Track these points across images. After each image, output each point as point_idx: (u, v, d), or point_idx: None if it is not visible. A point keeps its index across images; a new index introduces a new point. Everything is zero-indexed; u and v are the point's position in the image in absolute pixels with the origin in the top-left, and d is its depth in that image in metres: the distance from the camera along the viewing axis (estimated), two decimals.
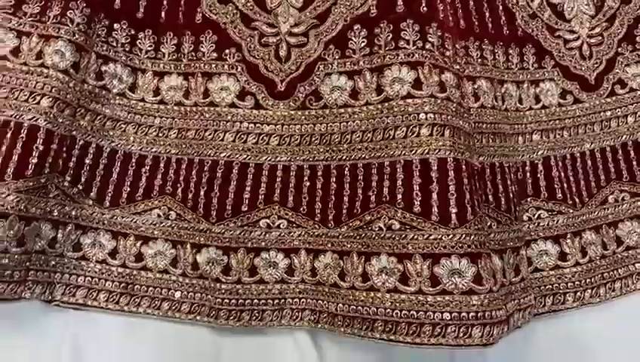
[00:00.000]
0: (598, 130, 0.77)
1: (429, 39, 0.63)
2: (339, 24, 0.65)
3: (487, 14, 0.73)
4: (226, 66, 0.67)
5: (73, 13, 0.64)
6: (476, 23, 0.71)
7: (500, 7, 0.74)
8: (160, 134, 0.68)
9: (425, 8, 0.63)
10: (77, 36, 0.64)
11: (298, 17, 0.66)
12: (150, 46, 0.69)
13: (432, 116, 0.60)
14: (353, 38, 0.65)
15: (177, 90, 0.68)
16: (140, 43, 0.68)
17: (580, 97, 0.77)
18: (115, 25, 0.68)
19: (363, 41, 0.65)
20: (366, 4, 0.65)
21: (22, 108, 0.61)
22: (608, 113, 0.78)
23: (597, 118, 0.78)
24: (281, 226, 0.65)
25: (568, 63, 0.78)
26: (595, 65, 0.78)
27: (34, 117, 0.61)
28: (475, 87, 0.68)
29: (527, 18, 0.76)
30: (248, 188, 0.65)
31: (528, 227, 0.71)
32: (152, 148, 0.68)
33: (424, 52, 0.62)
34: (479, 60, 0.70)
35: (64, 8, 0.64)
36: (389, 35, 0.64)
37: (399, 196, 0.60)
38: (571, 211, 0.73)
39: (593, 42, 0.78)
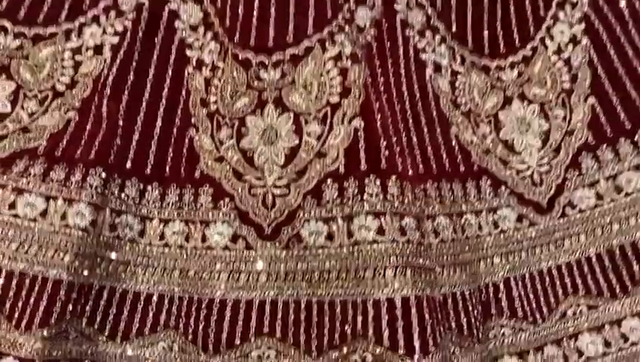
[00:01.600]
0: (553, 249, 0.84)
1: (390, 191, 0.71)
2: (315, 178, 0.74)
3: (444, 155, 0.81)
4: (220, 214, 0.76)
5: (92, 179, 0.73)
6: (434, 166, 0.79)
7: (457, 148, 0.83)
8: (164, 274, 0.76)
9: (385, 165, 0.72)
10: (95, 198, 0.73)
11: (281, 172, 0.75)
12: (157, 197, 0.78)
13: (395, 259, 0.68)
14: (326, 191, 0.74)
15: (180, 235, 0.76)
16: (148, 195, 0.77)
17: (535, 220, 0.84)
18: (126, 182, 0.77)
19: (335, 193, 0.73)
20: (336, 162, 0.74)
21: (48, 265, 0.70)
22: (561, 233, 0.85)
23: (551, 238, 0.84)
24: (271, 356, 0.71)
25: (522, 190, 0.85)
26: (547, 191, 0.85)
27: (58, 272, 0.70)
28: (435, 224, 0.76)
29: (481, 154, 0.84)
30: (240, 323, 0.72)
31: (494, 344, 0.76)
32: (158, 287, 0.75)
33: (386, 203, 0.70)
34: (438, 200, 0.77)
35: (85, 174, 0.74)
36: (355, 189, 0.72)
37: (370, 331, 0.67)
38: (533, 327, 0.78)
39: (543, 170, 0.86)
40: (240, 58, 0.79)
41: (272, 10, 0.79)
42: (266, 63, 0.78)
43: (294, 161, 0.76)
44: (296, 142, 0.76)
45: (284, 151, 0.76)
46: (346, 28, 0.79)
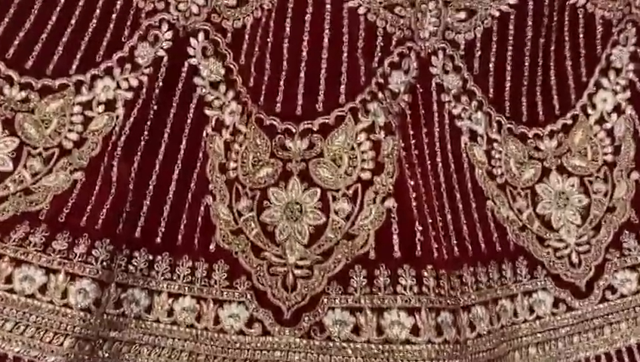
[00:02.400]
0: (592, 338, 0.76)
1: (425, 283, 0.64)
2: (341, 262, 0.67)
3: (480, 234, 0.74)
4: (236, 294, 0.68)
5: (98, 252, 0.66)
6: (470, 248, 0.72)
7: (492, 225, 0.75)
8: (172, 356, 0.68)
9: (420, 253, 0.64)
10: (100, 273, 0.66)
11: (304, 252, 0.68)
12: (166, 268, 0.70)
13: None
14: (354, 277, 0.66)
15: (190, 313, 0.69)
16: (157, 266, 0.70)
17: (573, 305, 0.77)
18: (134, 253, 0.69)
19: (363, 281, 0.66)
20: (366, 246, 0.66)
21: (46, 350, 0.62)
22: (601, 320, 0.77)
23: (590, 325, 0.77)
24: None
25: (559, 271, 0.78)
26: (585, 273, 0.78)
27: (56, 359, 0.62)
28: (471, 316, 0.68)
29: (517, 231, 0.77)
30: None
31: None
32: None
33: (421, 297, 0.63)
34: (474, 287, 0.70)
35: (90, 247, 0.66)
36: (387, 279, 0.65)
37: None
38: None
39: (581, 250, 0.79)
40: (264, 123, 0.71)
41: (302, 73, 0.71)
42: (293, 132, 0.71)
43: (319, 241, 0.69)
44: (323, 220, 0.69)
45: (309, 230, 0.69)
46: (379, 94, 0.72)
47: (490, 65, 0.81)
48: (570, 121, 0.82)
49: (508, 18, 0.80)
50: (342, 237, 0.68)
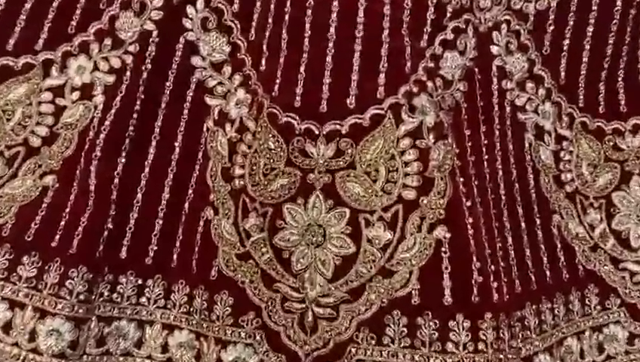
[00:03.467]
0: None
1: (482, 337, 0.49)
2: (375, 305, 0.52)
3: (545, 260, 0.59)
4: (242, 334, 0.54)
5: (73, 283, 0.52)
6: (533, 279, 0.57)
7: (559, 245, 0.60)
8: None
9: (477, 297, 0.49)
10: (77, 308, 0.52)
11: (327, 287, 0.53)
12: (159, 294, 0.57)
13: None
14: (391, 325, 0.51)
15: (188, 350, 0.55)
16: (148, 292, 0.56)
17: None
18: (120, 278, 0.56)
19: (403, 331, 0.51)
20: (408, 286, 0.51)
21: None
22: None
23: None
24: None
25: (636, 301, 0.63)
26: None
27: None
28: None
29: (587, 252, 0.62)
30: None
31: None
32: None
33: (477, 356, 0.48)
34: (537, 330, 0.55)
35: (63, 275, 0.52)
36: (434, 333, 0.50)
37: None
38: None
39: None
40: (279, 121, 0.55)
41: (329, 56, 0.54)
42: (316, 134, 0.54)
43: (348, 276, 0.53)
44: (352, 249, 0.53)
45: (334, 260, 0.53)
46: (429, 84, 0.55)
47: (565, 43, 0.63)
48: None
49: None
50: (376, 272, 0.52)
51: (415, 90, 0.54)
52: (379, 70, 0.53)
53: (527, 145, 0.62)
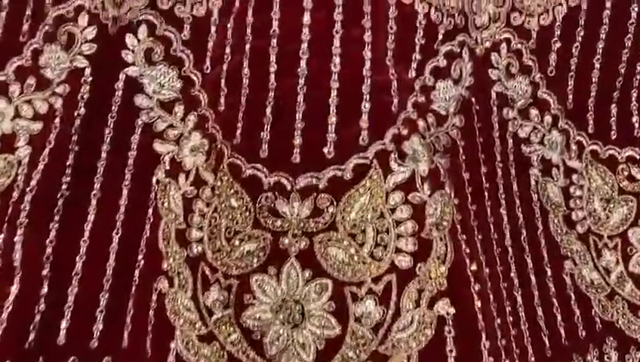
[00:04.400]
0: None
1: None
2: None
3: (559, 318, 0.50)
4: None
5: None
6: (547, 344, 0.48)
7: (573, 298, 0.51)
8: None
9: None
10: None
11: None
12: None
13: None
14: None
15: None
16: None
17: None
18: None
19: None
20: None
21: None
22: None
23: None
24: None
25: None
26: None
27: None
28: None
29: (604, 301, 0.53)
30: None
31: None
32: None
33: None
34: None
35: None
36: None
37: None
38: None
39: None
40: (243, 174, 0.44)
41: (301, 93, 0.43)
42: (288, 189, 0.43)
43: None
44: (337, 330, 0.42)
45: (316, 343, 0.43)
46: (420, 123, 0.45)
47: (572, 62, 0.54)
48: None
49: None
50: (367, 358, 0.42)
51: (404, 132, 0.44)
52: (360, 111, 0.43)
53: (533, 182, 0.53)
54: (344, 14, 0.44)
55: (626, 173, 0.58)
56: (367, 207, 0.43)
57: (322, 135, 0.43)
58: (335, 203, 0.43)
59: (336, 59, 0.44)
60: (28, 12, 0.47)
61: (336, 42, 0.44)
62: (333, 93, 0.44)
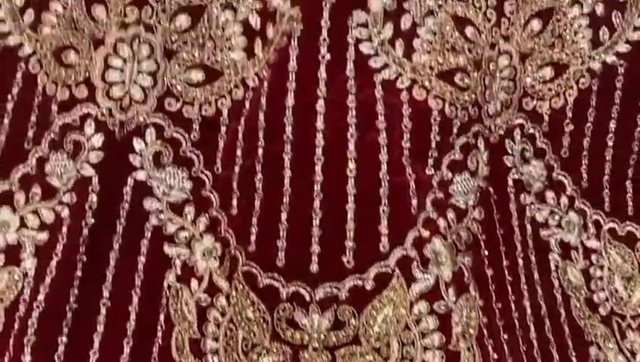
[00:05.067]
0: None
1: None
2: None
3: None
4: None
5: None
6: None
7: None
8: None
9: None
10: None
11: None
12: None
13: None
14: None
15: None
16: None
17: None
18: None
19: None
20: None
21: None
22: None
23: None
24: None
25: None
26: None
27: None
28: None
29: None
30: None
31: None
32: None
33: None
34: None
35: None
36: None
37: None
38: None
39: None
40: (259, 283, 0.42)
41: (317, 201, 0.41)
42: (307, 299, 0.41)
43: None
44: None
45: None
46: (440, 222, 0.43)
47: (585, 142, 0.53)
48: None
49: (615, 73, 0.51)
50: None
51: (425, 234, 0.42)
52: (379, 216, 0.41)
53: (553, 267, 0.51)
54: (357, 117, 0.43)
55: None
56: (390, 318, 0.40)
57: (341, 243, 0.41)
58: (357, 314, 0.41)
59: (352, 164, 0.42)
60: (33, 119, 0.45)
61: (351, 146, 0.42)
62: (350, 198, 0.42)
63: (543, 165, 0.52)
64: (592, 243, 0.54)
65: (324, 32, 0.44)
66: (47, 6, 0.45)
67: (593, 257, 0.54)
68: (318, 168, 0.42)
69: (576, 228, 0.53)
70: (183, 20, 0.44)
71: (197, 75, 0.45)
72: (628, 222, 0.56)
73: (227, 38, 0.45)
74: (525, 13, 0.49)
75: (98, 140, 0.44)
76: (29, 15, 0.45)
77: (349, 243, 0.41)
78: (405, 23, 0.45)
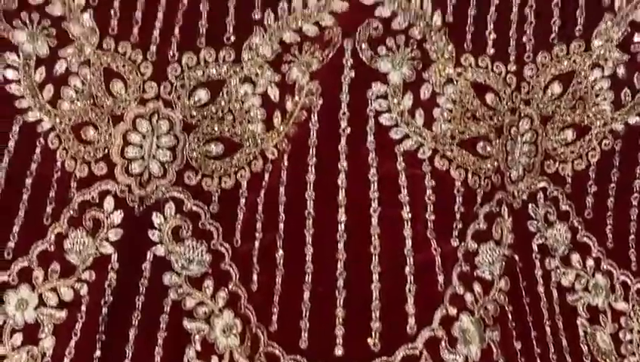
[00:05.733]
0: None
1: None
2: None
3: None
4: None
5: None
6: None
7: None
8: None
9: None
10: None
11: None
12: None
13: None
14: None
15: None
16: None
17: None
18: None
19: None
20: None
21: None
22: None
23: None
24: None
25: None
26: None
27: None
28: None
29: None
30: None
31: None
32: None
33: None
34: None
35: None
36: None
37: None
38: None
39: None
40: None
41: (340, 281, 0.40)
42: None
43: None
44: None
45: None
46: (467, 297, 0.41)
47: (609, 202, 0.51)
48: None
49: (638, 133, 0.50)
50: None
51: (453, 312, 0.41)
52: (405, 295, 0.40)
53: (581, 333, 0.49)
54: (380, 191, 0.42)
55: None
56: None
57: (366, 324, 0.40)
58: None
59: (376, 241, 0.41)
60: (52, 195, 0.44)
61: (374, 221, 0.41)
62: (375, 277, 0.40)
63: (567, 227, 0.50)
64: (621, 306, 0.52)
65: (344, 106, 0.43)
66: (66, 81, 0.45)
67: (622, 320, 0.52)
68: (340, 245, 0.41)
69: (603, 290, 0.51)
70: (202, 95, 0.44)
71: (216, 148, 0.45)
72: None
73: (246, 111, 0.45)
74: (546, 77, 0.48)
75: (117, 217, 0.43)
76: (49, 91, 0.45)
77: (375, 325, 0.40)
78: (425, 92, 0.44)
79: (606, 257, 0.52)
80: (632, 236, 0.53)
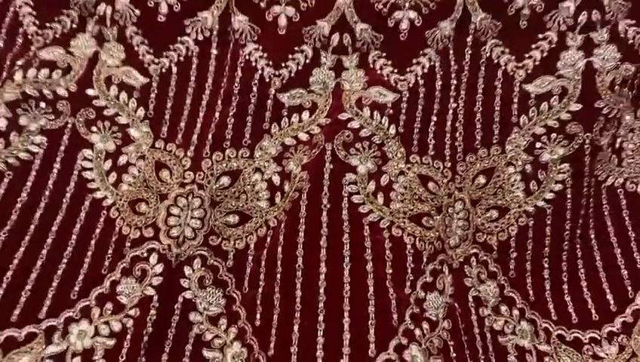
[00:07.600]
0: None
1: None
2: None
3: None
4: None
5: None
6: None
7: None
8: None
9: None
10: None
11: None
12: None
13: None
14: None
15: None
16: None
17: None
18: None
19: None
20: None
21: None
22: None
23: None
24: None
25: None
26: None
27: None
28: None
29: None
30: None
31: None
32: None
33: None
34: None
35: None
36: None
37: None
38: None
39: None
40: None
41: (321, 316, 0.52)
42: None
43: None
44: None
45: None
46: (416, 331, 0.53)
47: (527, 266, 0.63)
48: (631, 319, 0.63)
49: (545, 214, 0.63)
50: None
51: (404, 341, 0.52)
52: (368, 328, 0.52)
53: None
54: (351, 250, 0.55)
55: (590, 353, 0.63)
56: None
57: (339, 349, 0.51)
58: None
59: (347, 287, 0.53)
60: (109, 252, 0.57)
61: (346, 273, 0.54)
62: (346, 314, 0.53)
63: (496, 284, 0.62)
64: (544, 347, 0.62)
65: (325, 188, 0.58)
66: (126, 170, 0.60)
67: (546, 359, 0.61)
68: (322, 290, 0.53)
69: (528, 334, 0.62)
70: (225, 180, 0.59)
71: (233, 219, 0.59)
72: (574, 329, 0.64)
73: (256, 192, 0.59)
74: (473, 172, 0.62)
75: (159, 268, 0.56)
76: (113, 176, 0.60)
77: (346, 349, 0.51)
78: (384, 181, 0.59)
79: (530, 309, 0.63)
80: (548, 292, 0.65)
